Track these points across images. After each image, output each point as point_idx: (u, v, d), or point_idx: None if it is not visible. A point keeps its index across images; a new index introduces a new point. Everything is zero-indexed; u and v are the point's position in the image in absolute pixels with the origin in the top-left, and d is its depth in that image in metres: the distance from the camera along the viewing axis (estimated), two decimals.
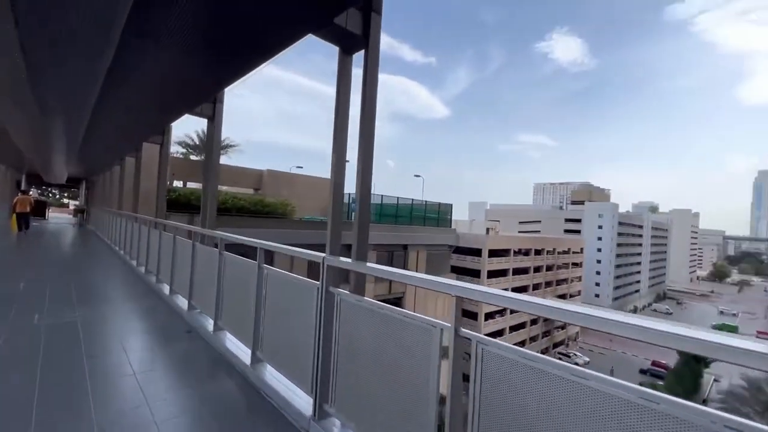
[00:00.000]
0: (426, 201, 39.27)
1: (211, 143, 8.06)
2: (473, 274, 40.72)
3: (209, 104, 7.54)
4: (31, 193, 31.20)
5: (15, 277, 6.77)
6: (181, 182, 28.65)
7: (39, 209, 22.18)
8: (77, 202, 32.55)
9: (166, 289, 5.73)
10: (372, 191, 4.48)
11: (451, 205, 43.76)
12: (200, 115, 7.72)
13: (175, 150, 30.18)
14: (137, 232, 8.29)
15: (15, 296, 5.32)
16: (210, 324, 4.09)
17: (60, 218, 26.98)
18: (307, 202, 32.95)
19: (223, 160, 32.54)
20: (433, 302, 32.19)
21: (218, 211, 23.31)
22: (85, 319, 4.45)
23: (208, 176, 7.97)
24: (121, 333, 4.21)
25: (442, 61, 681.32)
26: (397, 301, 26.70)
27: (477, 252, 42.43)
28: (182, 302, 4.96)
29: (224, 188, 28.81)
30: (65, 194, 47.14)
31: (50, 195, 45.82)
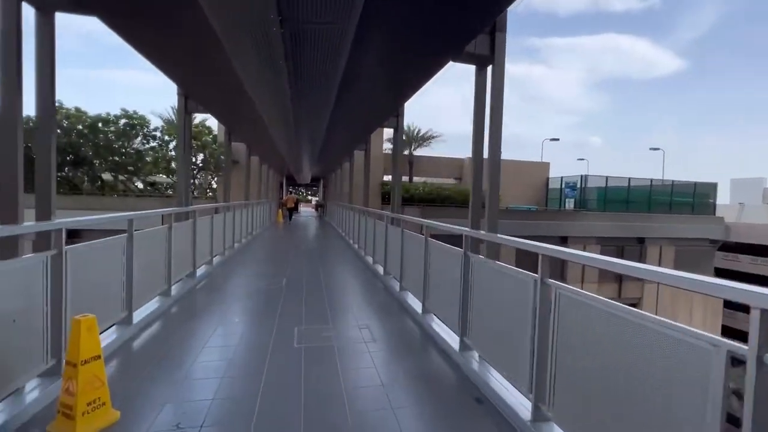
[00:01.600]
0: (673, 181, 29.64)
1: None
2: (762, 281, 28.11)
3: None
4: (290, 192, 40.60)
5: (285, 252, 9.79)
6: (389, 177, 31.02)
7: (295, 205, 28.16)
8: (317, 198, 40.52)
9: (380, 269, 6.68)
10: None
11: (715, 184, 31.67)
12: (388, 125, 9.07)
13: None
14: (353, 219, 10.19)
15: (286, 264, 7.70)
16: (418, 305, 4.40)
17: (306, 212, 33.83)
18: (512, 190, 30.01)
19: (425, 151, 33.28)
20: (686, 311, 24.06)
21: (424, 202, 23.53)
22: (328, 287, 5.87)
23: (395, 168, 8.98)
24: (352, 303, 5.29)
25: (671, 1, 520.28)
26: (632, 307, 20.71)
27: (765, 250, 29.18)
28: (394, 284, 5.64)
29: (427, 180, 29.24)
30: (308, 192, 60.09)
31: (299, 193, 59.22)
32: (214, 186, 24.86)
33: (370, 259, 7.87)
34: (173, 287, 4.74)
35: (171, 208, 4.68)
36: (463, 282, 3.23)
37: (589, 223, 24.84)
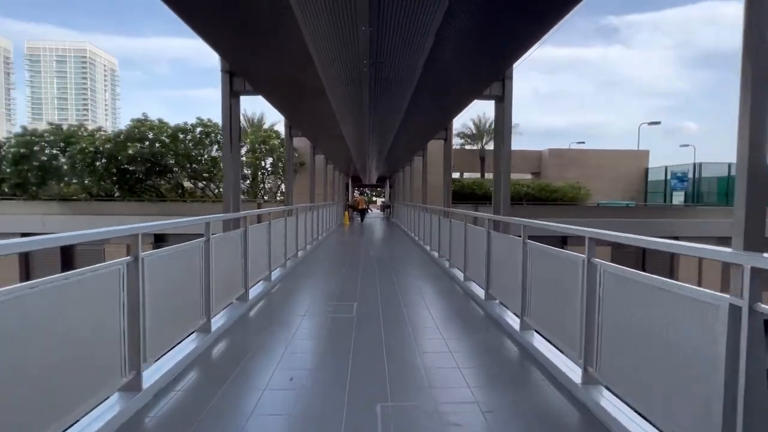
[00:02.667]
0: None
1: (502, 125, 8.50)
2: None
3: (498, 83, 8.04)
4: (355, 193, 40.30)
5: (354, 260, 8.64)
6: (458, 173, 28.88)
7: (366, 206, 27.49)
8: (383, 199, 39.77)
9: (446, 263, 7.07)
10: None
11: None
12: (488, 97, 8.43)
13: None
14: (427, 222, 9.66)
15: (355, 277, 6.63)
16: (482, 292, 4.86)
17: (372, 213, 33.02)
18: (602, 184, 26.16)
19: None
20: None
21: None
22: (399, 283, 6.19)
23: (500, 161, 8.69)
24: (420, 289, 5.99)
25: None
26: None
27: None
28: (458, 274, 6.15)
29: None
30: (373, 192, 59.91)
31: (365, 194, 59.21)
32: (284, 189, 25.05)
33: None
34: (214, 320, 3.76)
35: (208, 216, 3.71)
36: (522, 267, 3.59)
37: (709, 221, 20.42)
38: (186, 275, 3.09)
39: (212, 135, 22.13)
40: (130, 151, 18.79)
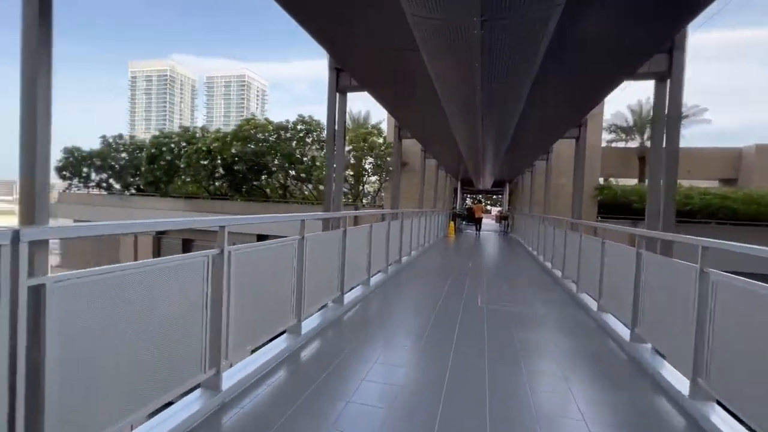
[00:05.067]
0: None
1: (665, 112, 6.06)
2: None
3: (662, 56, 5.83)
4: (467, 200, 35.98)
5: (465, 266, 7.84)
6: (610, 179, 22.08)
7: (473, 215, 23.26)
8: (499, 208, 34.41)
9: (573, 286, 5.97)
10: None
11: None
12: (645, 76, 6.15)
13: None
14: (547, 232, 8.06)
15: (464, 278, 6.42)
16: (594, 304, 4.67)
17: (485, 224, 28.17)
18: None
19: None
20: None
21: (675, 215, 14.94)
22: (511, 308, 4.98)
23: (660, 160, 6.14)
24: (536, 318, 4.62)
25: None
26: None
27: None
28: (571, 286, 5.87)
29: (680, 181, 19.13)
30: (488, 200, 54.15)
31: (477, 201, 53.97)
32: (384, 192, 22.61)
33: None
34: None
35: (303, 213, 3.45)
36: (635, 279, 3.62)
37: None
38: (276, 273, 2.99)
39: (314, 133, 21.03)
40: (233, 150, 18.71)
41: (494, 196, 40.83)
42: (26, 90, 3.01)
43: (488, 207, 53.07)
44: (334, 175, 7.06)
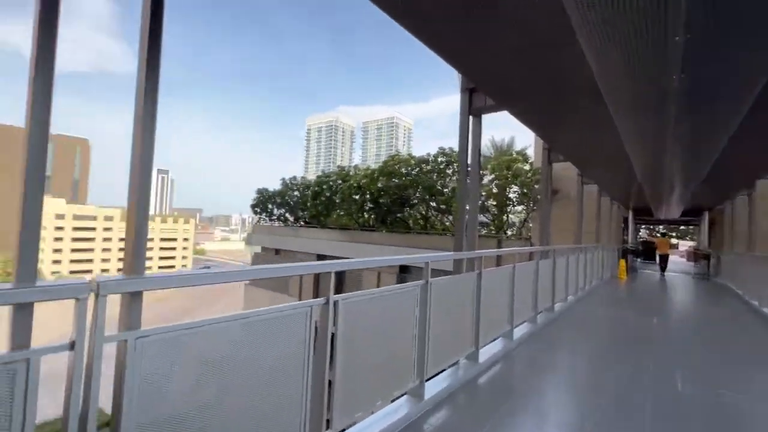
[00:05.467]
0: None
1: None
2: None
3: None
4: (641, 232, 29.54)
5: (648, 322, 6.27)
6: None
7: (651, 251, 18.61)
8: (693, 243, 26.79)
9: None
10: None
11: None
12: None
13: None
14: None
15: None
16: None
17: (671, 263, 22.20)
18: None
19: None
20: None
21: None
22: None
23: None
24: None
25: None
26: None
27: None
28: None
29: None
30: (672, 232, 43.22)
31: (660, 233, 43.68)
32: (533, 224, 20.42)
33: None
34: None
35: (427, 254, 3.14)
36: None
37: None
38: (392, 325, 2.79)
39: (454, 164, 20.87)
40: (379, 185, 20.04)
41: (683, 227, 32.25)
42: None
43: (674, 241, 42.34)
44: (468, 207, 6.20)
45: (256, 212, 32.29)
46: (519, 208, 20.95)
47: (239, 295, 33.47)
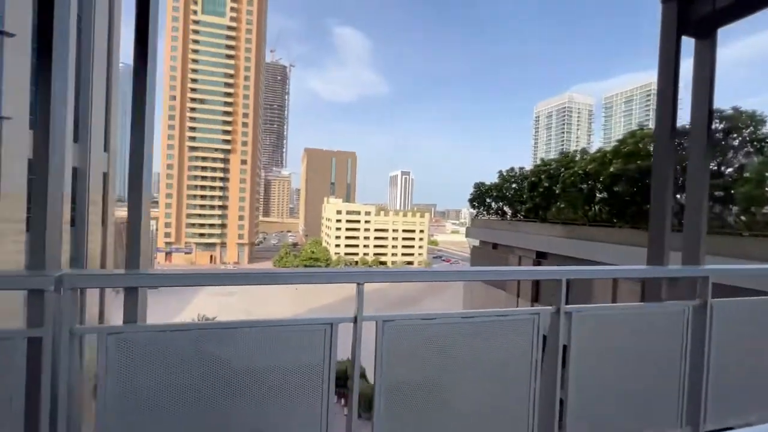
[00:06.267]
0: None
1: None
2: None
3: None
4: None
5: None
6: None
7: None
8: None
9: None
10: None
11: None
12: None
13: None
14: None
15: None
16: None
17: None
18: None
19: None
20: None
21: None
22: None
23: None
24: None
25: None
26: None
27: None
28: None
29: None
30: None
31: None
32: None
33: None
34: None
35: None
36: None
37: None
38: None
39: (745, 130, 14.33)
40: (611, 169, 16.08)
41: None
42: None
43: None
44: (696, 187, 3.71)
45: (474, 206, 32.86)
46: None
47: (459, 284, 35.11)
